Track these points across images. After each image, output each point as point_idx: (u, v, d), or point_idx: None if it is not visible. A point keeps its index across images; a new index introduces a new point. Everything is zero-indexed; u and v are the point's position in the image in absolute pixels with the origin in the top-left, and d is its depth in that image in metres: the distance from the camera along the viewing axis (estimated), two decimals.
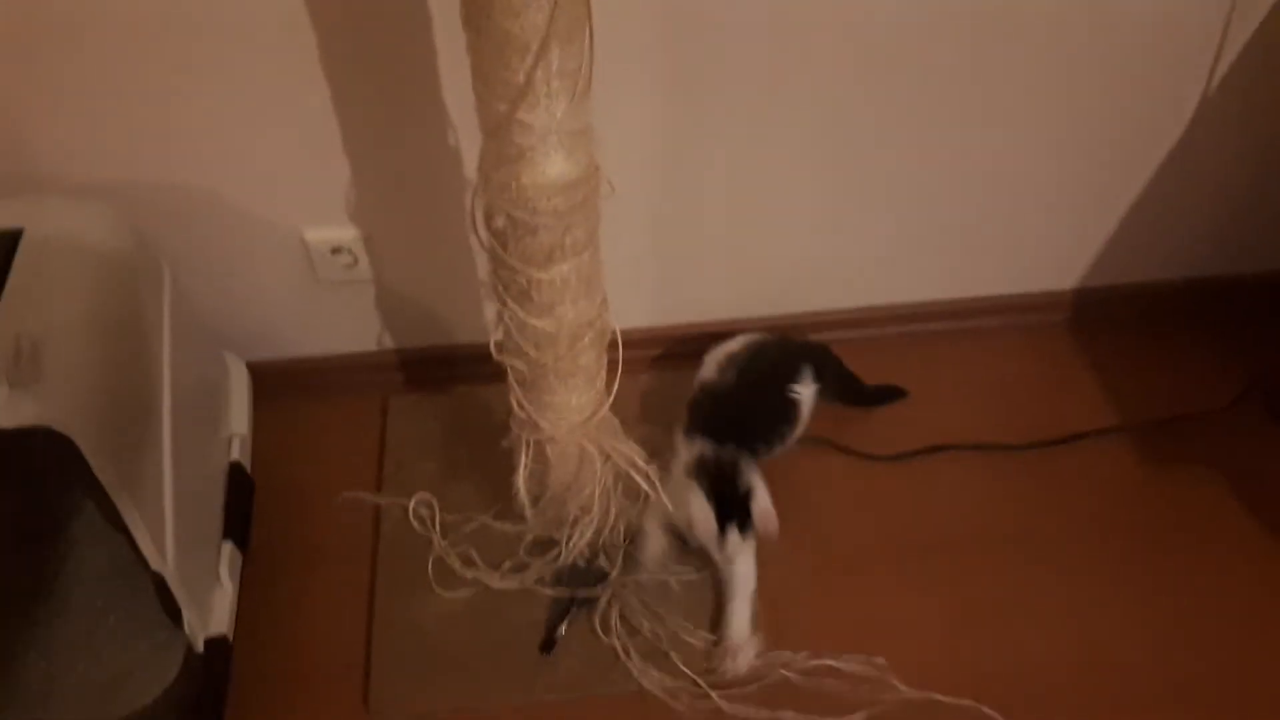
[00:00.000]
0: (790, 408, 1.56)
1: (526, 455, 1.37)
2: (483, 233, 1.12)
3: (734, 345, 1.61)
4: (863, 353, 1.81)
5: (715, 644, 1.43)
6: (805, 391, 1.57)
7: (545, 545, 1.53)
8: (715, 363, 1.59)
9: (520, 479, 1.38)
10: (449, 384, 1.77)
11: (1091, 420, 1.73)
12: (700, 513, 1.38)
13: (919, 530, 1.60)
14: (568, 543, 1.50)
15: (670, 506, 1.42)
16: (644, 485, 1.42)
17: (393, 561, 1.56)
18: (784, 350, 1.62)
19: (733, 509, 1.39)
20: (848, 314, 1.83)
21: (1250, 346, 1.84)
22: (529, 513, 1.45)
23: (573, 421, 1.33)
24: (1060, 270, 1.85)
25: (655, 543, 1.50)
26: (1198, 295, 1.88)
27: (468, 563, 1.53)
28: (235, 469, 1.49)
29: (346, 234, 1.58)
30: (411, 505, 1.58)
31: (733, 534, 1.40)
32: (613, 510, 1.49)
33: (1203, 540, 1.58)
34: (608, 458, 1.42)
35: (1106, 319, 1.87)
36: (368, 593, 1.52)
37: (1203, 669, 1.43)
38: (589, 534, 1.49)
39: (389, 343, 1.77)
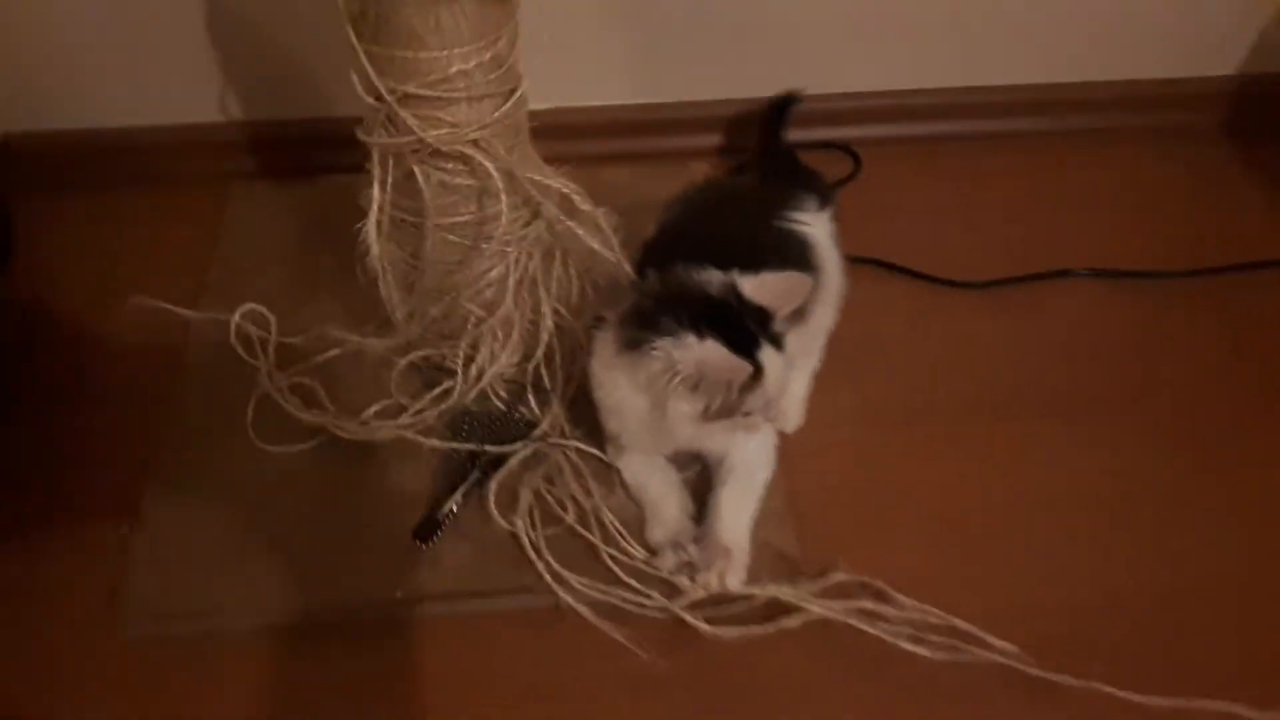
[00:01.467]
0: (795, 243, 0.91)
1: (383, 187, 0.80)
2: None
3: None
4: (938, 156, 1.24)
5: (697, 541, 0.85)
6: (815, 223, 0.93)
7: (437, 377, 0.96)
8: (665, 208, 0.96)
9: (371, 228, 0.80)
10: (320, 173, 1.19)
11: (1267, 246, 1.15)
12: (715, 358, 0.76)
13: (1020, 385, 1.03)
14: (465, 369, 0.92)
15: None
16: (600, 249, 0.85)
17: (195, 401, 0.99)
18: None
19: (746, 325, 0.78)
20: (913, 97, 1.25)
21: None
22: (396, 310, 0.87)
23: (460, 118, 0.76)
24: (1215, 51, 1.27)
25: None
26: None
27: (311, 403, 0.95)
28: None
29: None
30: (235, 319, 1.00)
31: (769, 356, 0.78)
32: (546, 318, 0.91)
33: None
34: (532, 214, 0.85)
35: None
36: (148, 446, 0.94)
37: None
38: (504, 357, 0.91)
39: (236, 112, 1.20)
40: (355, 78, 0.77)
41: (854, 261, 1.05)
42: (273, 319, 1.02)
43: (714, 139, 1.25)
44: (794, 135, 1.21)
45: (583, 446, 0.91)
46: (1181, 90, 1.28)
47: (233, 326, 1.00)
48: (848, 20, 1.18)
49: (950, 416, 0.99)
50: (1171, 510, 0.92)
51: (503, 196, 0.80)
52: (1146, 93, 1.28)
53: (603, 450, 0.91)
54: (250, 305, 1.01)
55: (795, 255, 0.90)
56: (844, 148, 1.24)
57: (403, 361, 0.94)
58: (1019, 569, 0.87)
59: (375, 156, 0.79)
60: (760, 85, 1.19)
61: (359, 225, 0.82)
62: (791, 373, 0.87)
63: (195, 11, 1.11)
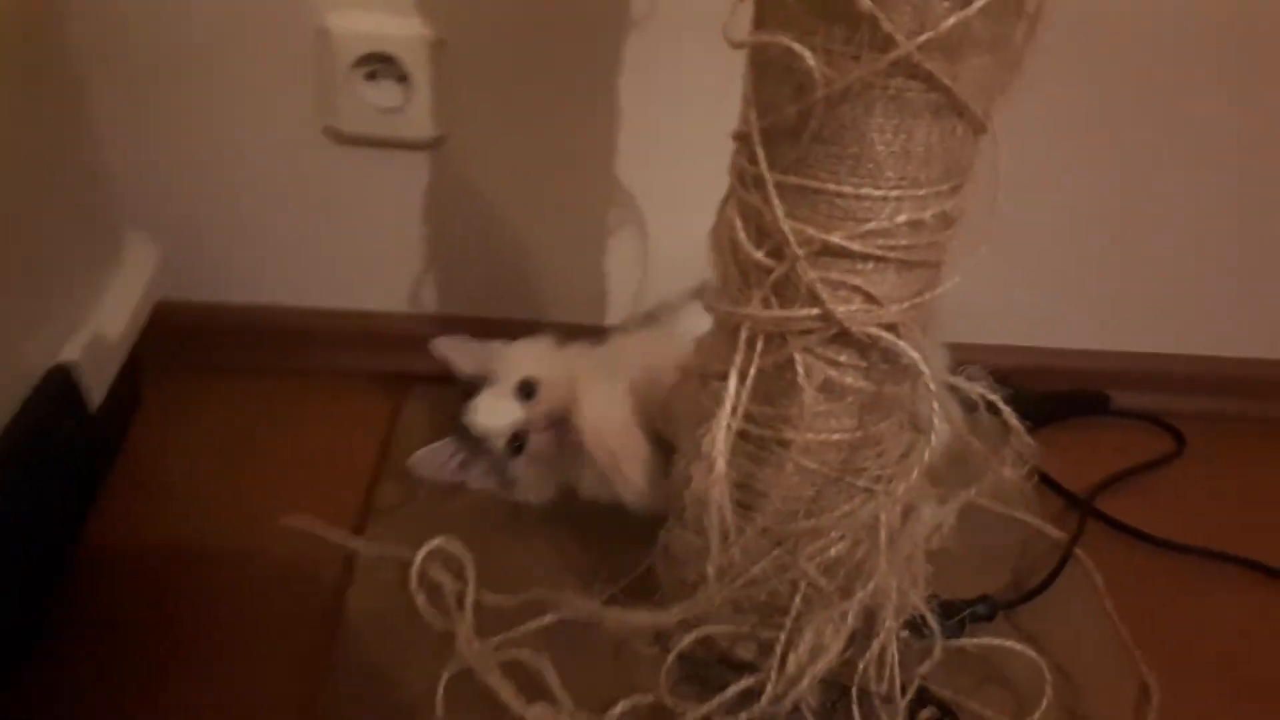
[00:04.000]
0: None
1: (743, 380, 0.55)
2: None
3: None
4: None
5: None
6: None
7: (713, 673, 0.67)
8: None
9: (719, 436, 0.55)
10: None
11: None
12: None
13: None
14: (781, 663, 0.63)
15: None
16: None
17: (359, 671, 0.69)
18: None
19: None
20: (1245, 367, 1.03)
21: None
22: (711, 562, 0.60)
23: (883, 290, 0.53)
24: None
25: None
26: None
27: (533, 690, 0.66)
28: (56, 382, 0.66)
29: (400, 30, 0.85)
30: (417, 560, 0.73)
31: None
32: (890, 593, 0.64)
33: None
34: (910, 442, 0.60)
35: None
36: None
37: None
38: (834, 647, 0.63)
39: (427, 303, 0.99)
40: (737, 224, 0.54)
41: (1216, 559, 0.83)
42: (469, 562, 0.74)
43: None
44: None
45: None
46: None
47: (415, 571, 0.73)
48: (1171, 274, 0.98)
49: None
50: None
51: (933, 408, 0.54)
52: None
53: None
54: (438, 542, 0.75)
55: None
56: (1161, 422, 1.00)
57: (684, 641, 0.65)
58: None
59: (742, 337, 0.55)
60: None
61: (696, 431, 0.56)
62: None
63: (418, 173, 0.92)
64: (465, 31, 0.85)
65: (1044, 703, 0.67)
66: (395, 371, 0.96)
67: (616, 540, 0.76)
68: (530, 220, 0.95)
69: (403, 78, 0.87)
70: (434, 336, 0.95)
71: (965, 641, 0.69)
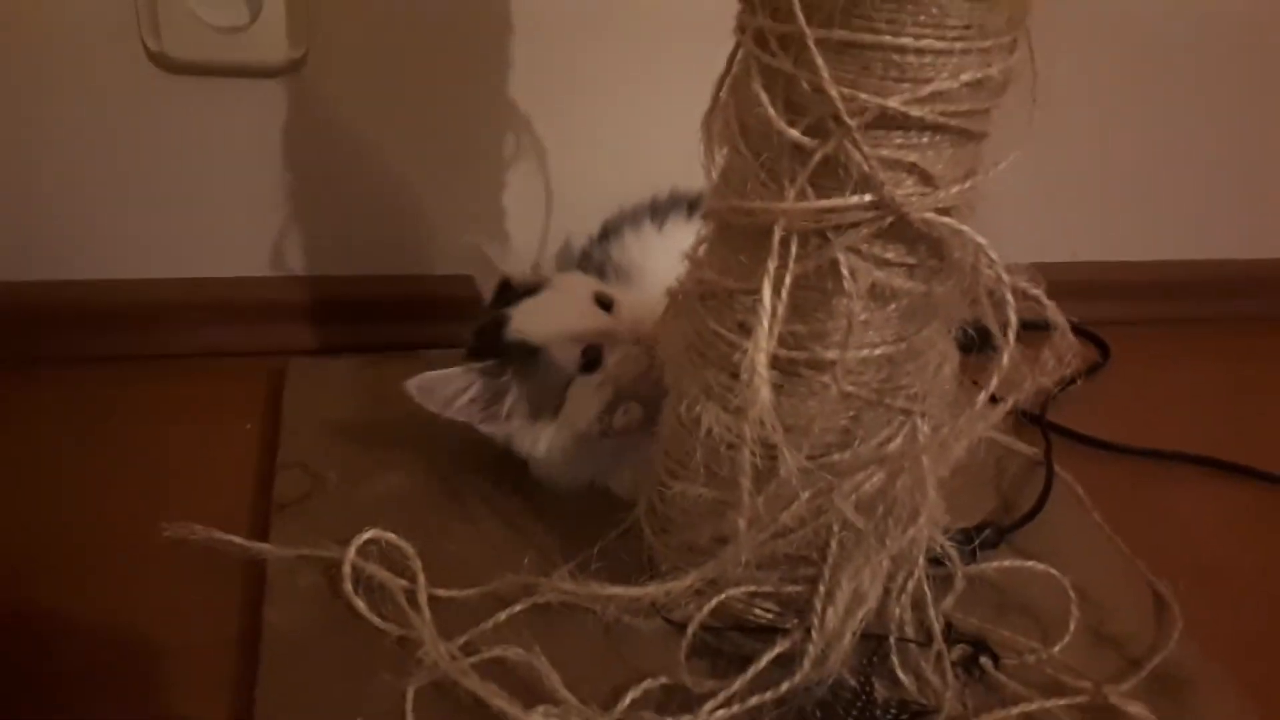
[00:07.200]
0: None
1: (779, 291, 0.46)
2: None
3: None
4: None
5: None
6: None
7: (734, 635, 0.58)
8: None
9: (760, 359, 0.45)
10: (419, 347, 0.82)
11: None
12: None
13: None
14: (822, 618, 0.55)
15: None
16: None
17: (296, 704, 0.55)
18: None
19: None
20: (1160, 270, 1.03)
21: None
22: (743, 512, 0.51)
23: (940, 169, 0.45)
24: None
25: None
26: None
27: (523, 691, 0.54)
28: None
29: None
30: (350, 556, 0.60)
31: None
32: (922, 530, 0.57)
33: None
34: (943, 353, 0.53)
35: None
36: None
37: None
38: (872, 594, 0.55)
39: (296, 264, 0.84)
40: (763, 97, 0.44)
41: (1171, 459, 0.82)
42: (412, 552, 0.62)
43: None
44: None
45: None
46: None
47: (347, 571, 0.60)
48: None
49: None
50: None
51: (1007, 299, 0.47)
52: None
53: None
54: (371, 533, 0.62)
55: None
56: (1083, 331, 0.98)
57: (703, 610, 0.55)
58: None
59: (775, 239, 0.45)
60: None
61: (736, 358, 0.46)
62: None
63: (271, 111, 0.77)
64: None
65: (1072, 624, 0.62)
66: (263, 347, 0.81)
67: (574, 516, 0.67)
68: (411, 155, 0.82)
69: None
70: (302, 301, 0.81)
71: (988, 567, 0.64)
